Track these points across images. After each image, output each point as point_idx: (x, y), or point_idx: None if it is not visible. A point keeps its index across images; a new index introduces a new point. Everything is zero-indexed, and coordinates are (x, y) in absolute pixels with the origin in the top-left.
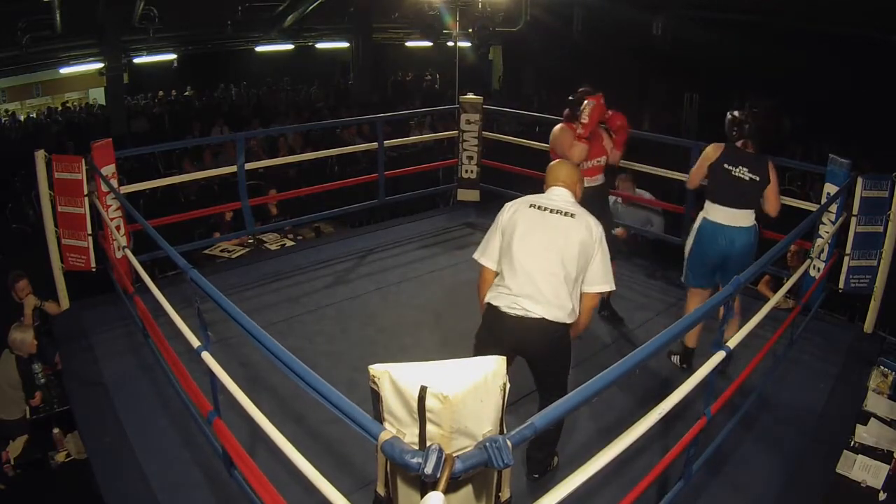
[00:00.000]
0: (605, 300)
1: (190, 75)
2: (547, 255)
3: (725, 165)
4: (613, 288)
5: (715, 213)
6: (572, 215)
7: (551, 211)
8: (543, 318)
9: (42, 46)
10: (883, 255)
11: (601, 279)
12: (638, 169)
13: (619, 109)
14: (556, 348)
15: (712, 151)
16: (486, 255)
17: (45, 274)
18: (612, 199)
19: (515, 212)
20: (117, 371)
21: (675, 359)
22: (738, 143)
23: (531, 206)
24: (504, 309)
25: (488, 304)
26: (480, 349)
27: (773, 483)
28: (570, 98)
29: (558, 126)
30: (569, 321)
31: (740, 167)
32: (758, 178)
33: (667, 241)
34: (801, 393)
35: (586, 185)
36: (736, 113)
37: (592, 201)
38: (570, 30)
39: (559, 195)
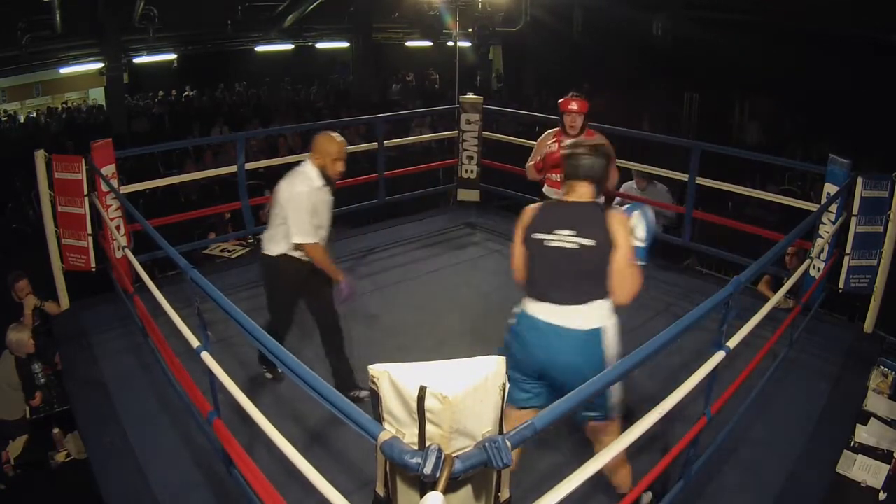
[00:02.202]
0: None
1: (190, 75)
2: (273, 206)
3: (535, 235)
4: (296, 241)
5: (532, 306)
6: (291, 176)
7: (289, 173)
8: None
9: (42, 46)
10: (883, 255)
11: (292, 230)
12: (639, 169)
13: (619, 109)
14: (263, 273)
15: (527, 213)
16: None
17: (45, 274)
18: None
19: None
20: (117, 371)
21: None
22: (564, 192)
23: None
24: None
25: None
26: None
27: (773, 483)
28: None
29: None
30: (274, 254)
31: (558, 230)
32: (593, 242)
33: (667, 241)
34: (801, 393)
35: (552, 195)
36: (567, 143)
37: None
38: (570, 30)
39: (305, 162)
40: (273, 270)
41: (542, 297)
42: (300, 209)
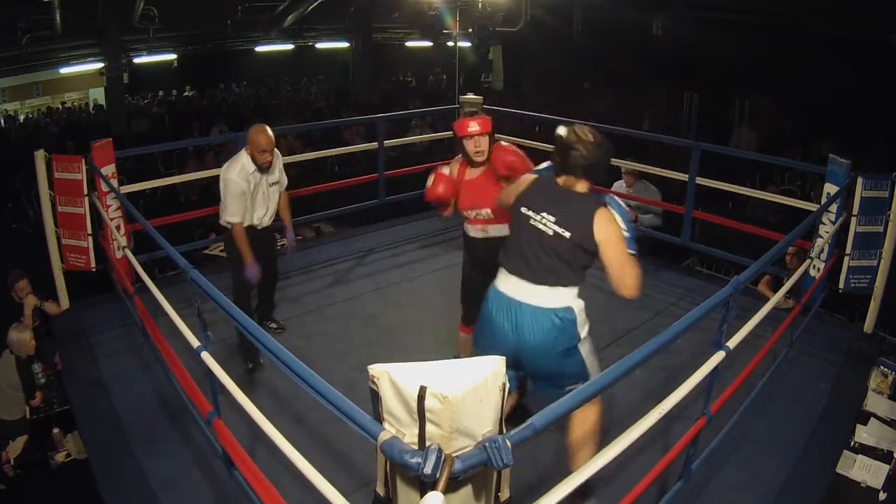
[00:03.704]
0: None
1: (190, 75)
2: None
3: (524, 209)
4: (224, 220)
5: (503, 279)
6: (230, 161)
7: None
8: None
9: (42, 46)
10: (883, 255)
11: (221, 211)
12: (640, 169)
13: (620, 109)
14: (224, 238)
15: (523, 182)
16: None
17: (45, 274)
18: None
19: None
20: (117, 371)
21: None
22: (560, 178)
23: None
24: None
25: None
26: None
27: (773, 483)
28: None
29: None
30: (223, 223)
31: (544, 213)
32: (568, 235)
33: (667, 241)
34: (801, 393)
35: (477, 234)
36: (562, 131)
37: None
38: (570, 30)
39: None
40: (227, 236)
41: (514, 272)
42: (227, 193)
